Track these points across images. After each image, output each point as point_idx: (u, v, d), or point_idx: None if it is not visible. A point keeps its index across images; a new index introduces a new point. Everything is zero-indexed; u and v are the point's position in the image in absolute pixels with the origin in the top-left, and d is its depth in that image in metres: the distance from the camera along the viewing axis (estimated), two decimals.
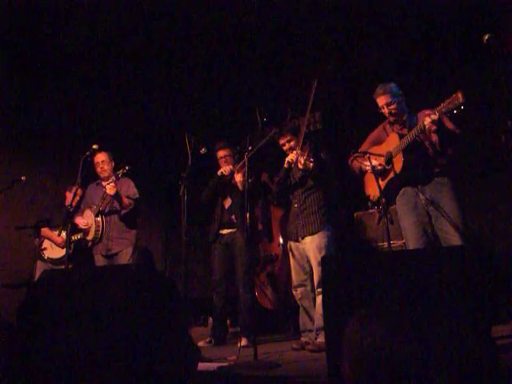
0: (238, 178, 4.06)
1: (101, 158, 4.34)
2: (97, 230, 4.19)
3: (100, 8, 5.00)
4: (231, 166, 4.17)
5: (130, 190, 4.36)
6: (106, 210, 4.26)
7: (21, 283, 4.73)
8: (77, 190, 3.97)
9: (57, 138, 5.65)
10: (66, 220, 3.85)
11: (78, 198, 4.11)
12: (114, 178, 4.12)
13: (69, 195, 4.90)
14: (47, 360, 1.99)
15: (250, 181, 3.88)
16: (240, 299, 4.15)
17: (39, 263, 4.76)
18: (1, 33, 5.09)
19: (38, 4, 4.89)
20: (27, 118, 5.52)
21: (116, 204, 4.26)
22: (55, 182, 5.41)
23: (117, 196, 4.13)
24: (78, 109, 5.75)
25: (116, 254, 4.21)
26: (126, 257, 4.19)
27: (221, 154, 4.32)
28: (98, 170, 4.36)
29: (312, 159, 3.48)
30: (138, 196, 4.34)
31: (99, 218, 4.21)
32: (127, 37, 5.54)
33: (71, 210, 3.87)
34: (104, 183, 4.28)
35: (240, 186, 4.07)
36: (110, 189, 4.06)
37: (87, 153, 3.76)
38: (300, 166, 3.50)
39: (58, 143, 5.63)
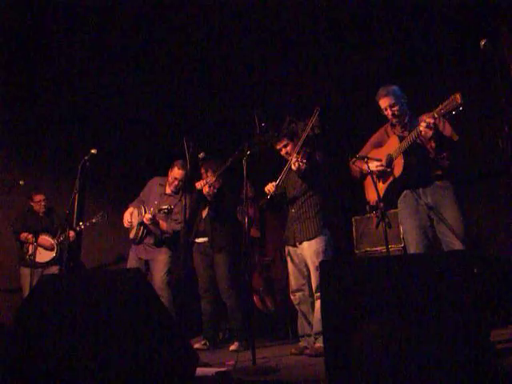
0: (205, 189, 4.20)
1: (179, 175, 4.35)
2: (137, 233, 4.28)
3: (100, 9, 5.01)
4: (204, 181, 4.26)
5: (180, 213, 4.31)
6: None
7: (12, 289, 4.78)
8: (75, 195, 3.97)
9: (56, 142, 5.65)
10: (65, 224, 3.88)
11: (76, 203, 4.13)
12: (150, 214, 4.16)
13: (33, 204, 4.96)
14: (45, 363, 1.98)
15: (213, 191, 4.14)
16: (226, 306, 4.25)
17: (23, 270, 4.78)
18: (3, 34, 5.10)
19: (39, 3, 4.90)
20: (26, 123, 5.52)
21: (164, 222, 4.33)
22: (54, 187, 5.40)
23: (151, 225, 4.21)
24: (76, 113, 5.75)
25: (151, 260, 4.28)
26: (159, 264, 4.23)
27: (201, 171, 4.41)
28: (172, 184, 4.37)
29: (305, 160, 3.50)
30: (183, 225, 4.30)
31: (141, 227, 4.27)
32: (127, 40, 5.54)
33: (70, 214, 3.88)
34: (168, 190, 4.40)
35: (208, 197, 4.24)
36: (146, 219, 4.16)
37: (86, 157, 3.77)
38: (293, 168, 3.52)
39: (56, 148, 5.63)
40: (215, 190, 4.21)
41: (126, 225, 4.36)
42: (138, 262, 4.26)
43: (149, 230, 4.30)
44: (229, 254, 4.27)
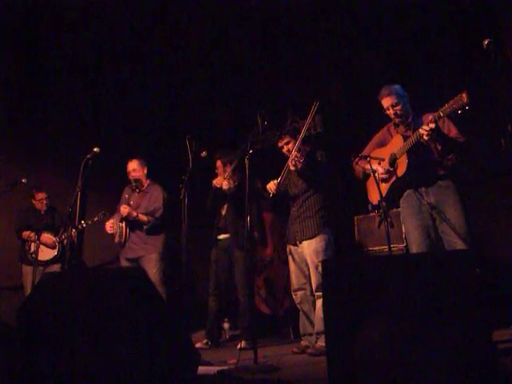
0: (224, 185, 4.21)
1: (129, 167, 4.40)
2: (120, 235, 4.31)
3: (101, 10, 5.02)
4: (221, 177, 4.29)
5: (156, 203, 4.39)
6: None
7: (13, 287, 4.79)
8: (77, 193, 3.97)
9: (58, 140, 5.65)
10: (68, 222, 3.90)
11: (78, 201, 4.13)
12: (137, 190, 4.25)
13: (35, 202, 4.98)
14: (47, 363, 1.98)
15: (234, 185, 4.15)
16: (239, 304, 4.24)
17: (25, 268, 4.79)
18: (5, 34, 5.11)
19: (43, 6, 4.91)
20: (29, 121, 5.52)
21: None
22: (56, 186, 5.40)
23: (129, 217, 4.24)
24: (79, 111, 5.76)
25: (139, 259, 4.29)
26: (150, 262, 4.24)
27: (217, 164, 4.46)
28: (130, 177, 4.41)
29: (302, 159, 3.48)
30: (161, 211, 4.36)
31: (122, 224, 4.31)
32: (130, 39, 5.55)
33: (72, 212, 3.88)
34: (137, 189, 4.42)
35: (226, 191, 4.23)
36: (122, 210, 4.21)
37: (88, 156, 3.77)
38: (291, 168, 3.51)
39: (59, 146, 5.63)
40: (235, 184, 4.20)
41: (109, 231, 4.37)
42: (128, 264, 4.27)
43: (131, 226, 4.31)
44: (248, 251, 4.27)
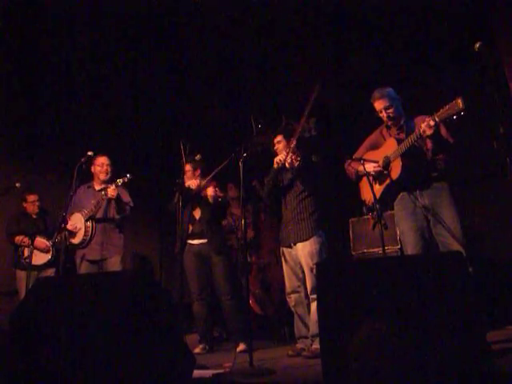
0: (210, 192, 4.10)
1: (106, 160, 4.31)
2: (85, 235, 4.11)
3: (96, 14, 5.02)
4: (198, 180, 4.20)
5: (125, 197, 4.33)
6: (99, 216, 4.18)
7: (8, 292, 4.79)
8: (71, 197, 3.96)
9: (52, 145, 5.64)
10: (61, 226, 3.86)
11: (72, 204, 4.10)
12: (113, 184, 4.07)
13: (27, 205, 4.94)
14: (40, 366, 1.97)
15: (222, 196, 4.07)
16: (224, 308, 4.18)
17: (19, 273, 4.76)
18: (2, 39, 5.10)
19: (40, 12, 4.91)
20: (23, 126, 5.51)
21: (110, 210, 4.22)
22: (50, 190, 5.38)
23: (118, 199, 4.09)
24: (72, 116, 5.75)
25: (104, 260, 4.15)
26: (114, 264, 4.15)
27: (186, 168, 4.33)
28: (102, 171, 4.27)
29: (299, 158, 3.49)
30: (132, 205, 4.32)
31: (89, 223, 4.13)
32: (124, 44, 5.55)
33: (65, 216, 3.87)
34: (97, 187, 4.27)
35: (210, 200, 4.12)
36: (112, 191, 3.99)
37: (82, 160, 3.75)
38: (287, 166, 3.51)
39: (52, 150, 5.62)
40: (222, 196, 4.11)
41: (71, 229, 4.10)
42: (90, 267, 4.10)
43: (103, 216, 4.15)
44: (227, 255, 4.25)
